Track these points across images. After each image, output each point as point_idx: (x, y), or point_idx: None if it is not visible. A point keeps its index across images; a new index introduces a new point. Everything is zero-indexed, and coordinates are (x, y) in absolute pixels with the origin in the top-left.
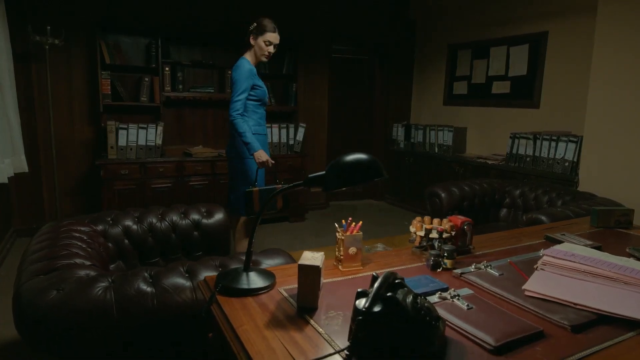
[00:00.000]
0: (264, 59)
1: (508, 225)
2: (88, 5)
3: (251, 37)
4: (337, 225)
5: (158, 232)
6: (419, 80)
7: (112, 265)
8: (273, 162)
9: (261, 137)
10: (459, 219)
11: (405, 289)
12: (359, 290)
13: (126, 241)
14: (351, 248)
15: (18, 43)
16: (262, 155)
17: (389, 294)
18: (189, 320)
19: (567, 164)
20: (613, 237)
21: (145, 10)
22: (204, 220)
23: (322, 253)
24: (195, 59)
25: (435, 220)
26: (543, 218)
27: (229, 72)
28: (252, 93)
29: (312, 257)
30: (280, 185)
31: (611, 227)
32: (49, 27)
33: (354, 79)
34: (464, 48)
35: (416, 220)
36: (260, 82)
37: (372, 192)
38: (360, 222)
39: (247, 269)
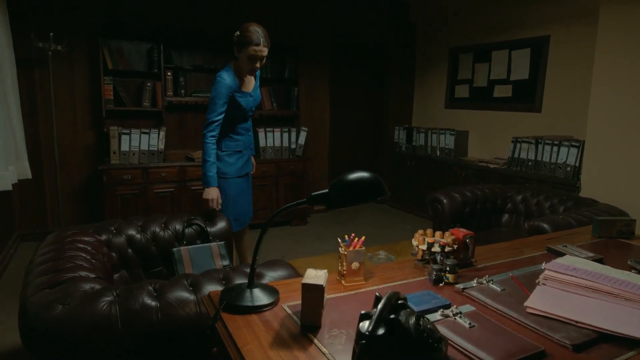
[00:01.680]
0: (249, 74)
1: (510, 230)
2: (90, 11)
3: (235, 49)
4: (339, 240)
5: (161, 241)
6: (420, 83)
7: (115, 275)
8: (219, 208)
9: (236, 155)
10: (461, 232)
11: (408, 309)
12: (362, 312)
13: (130, 250)
14: (354, 263)
15: (21, 49)
16: (212, 194)
17: (392, 316)
18: (193, 334)
19: (569, 168)
20: (615, 248)
21: (147, 15)
22: (207, 229)
23: (325, 271)
24: (197, 63)
25: (438, 233)
26: (545, 226)
27: None
28: (229, 111)
29: (315, 276)
30: (215, 243)
31: (613, 237)
32: (51, 34)
33: (355, 82)
34: (465, 51)
35: (418, 234)
36: (243, 99)
37: None
38: (363, 238)
39: (250, 285)
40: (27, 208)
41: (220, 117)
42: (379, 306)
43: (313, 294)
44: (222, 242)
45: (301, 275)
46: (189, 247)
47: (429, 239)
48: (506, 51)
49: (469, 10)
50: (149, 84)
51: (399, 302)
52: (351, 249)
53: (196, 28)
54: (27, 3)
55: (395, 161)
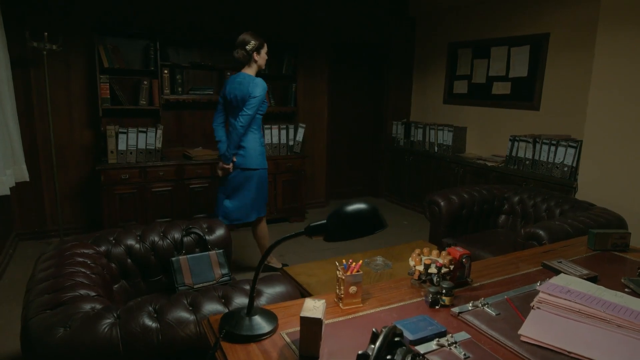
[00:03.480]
0: (263, 69)
1: (506, 232)
2: (85, 10)
3: (255, 54)
4: (337, 264)
5: (160, 250)
6: (419, 78)
7: (115, 285)
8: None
9: (264, 149)
10: (458, 252)
11: (404, 348)
12: (359, 353)
13: (129, 260)
14: (351, 287)
15: (15, 49)
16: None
17: (388, 357)
18: (193, 354)
19: (566, 168)
20: (609, 263)
21: (142, 13)
22: (206, 237)
23: (324, 301)
24: (194, 60)
25: (434, 252)
26: (541, 233)
27: (228, 73)
28: (261, 108)
29: (313, 307)
30: (214, 252)
31: (608, 250)
32: (46, 33)
33: (354, 78)
34: (464, 47)
35: (415, 254)
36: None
37: (371, 190)
38: (360, 262)
39: (249, 313)
40: (25, 208)
41: (255, 112)
42: (376, 345)
43: (311, 326)
44: (221, 250)
45: (300, 286)
46: (188, 256)
47: (426, 260)
48: (505, 48)
49: (468, 5)
50: (145, 82)
51: (395, 339)
52: (349, 273)
53: (193, 25)
54: (21, 2)
55: (393, 156)
